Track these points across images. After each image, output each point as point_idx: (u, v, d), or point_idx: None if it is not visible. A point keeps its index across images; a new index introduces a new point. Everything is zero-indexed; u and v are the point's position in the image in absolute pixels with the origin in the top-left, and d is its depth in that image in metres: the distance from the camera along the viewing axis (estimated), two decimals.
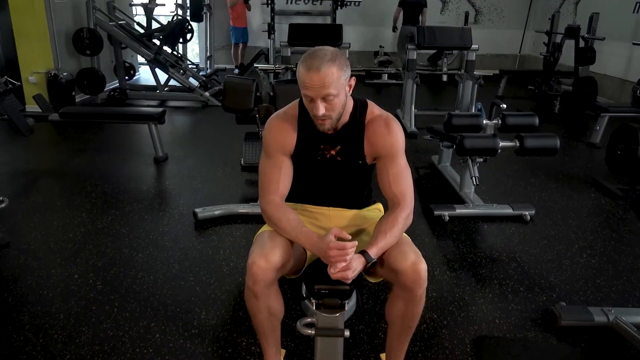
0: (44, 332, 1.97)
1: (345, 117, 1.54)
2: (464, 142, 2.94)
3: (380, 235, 1.44)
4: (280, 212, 1.51)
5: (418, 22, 7.83)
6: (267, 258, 1.41)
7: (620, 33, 6.55)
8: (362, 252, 1.42)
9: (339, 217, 1.68)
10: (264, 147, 1.60)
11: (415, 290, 1.46)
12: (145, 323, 2.04)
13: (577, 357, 1.94)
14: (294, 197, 1.72)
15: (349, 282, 1.41)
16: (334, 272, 1.38)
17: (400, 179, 1.54)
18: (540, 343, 2.01)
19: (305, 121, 1.56)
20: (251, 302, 1.50)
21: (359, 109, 1.57)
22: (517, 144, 2.95)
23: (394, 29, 8.12)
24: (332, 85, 1.38)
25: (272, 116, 1.64)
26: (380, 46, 8.55)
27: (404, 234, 1.52)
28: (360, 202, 1.74)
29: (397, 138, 1.55)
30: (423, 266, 1.44)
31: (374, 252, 1.42)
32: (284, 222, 1.49)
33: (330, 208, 1.69)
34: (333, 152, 1.58)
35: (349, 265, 1.37)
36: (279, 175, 1.56)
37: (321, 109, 1.42)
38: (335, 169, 1.61)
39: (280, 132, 1.57)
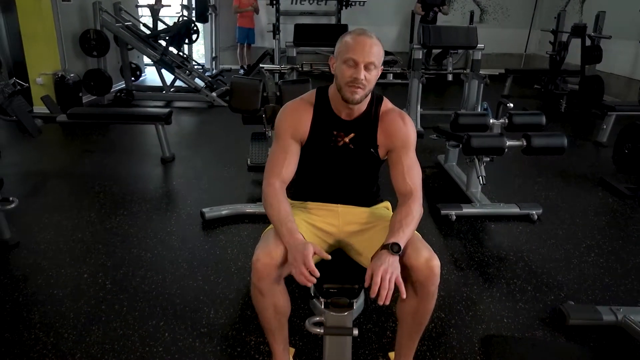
0: (55, 331, 1.99)
1: (363, 106, 1.58)
2: (471, 142, 2.94)
3: (398, 225, 1.45)
4: (275, 198, 1.52)
5: (436, 21, 7.83)
6: (270, 255, 1.42)
7: (627, 31, 6.51)
8: (388, 246, 1.39)
9: (347, 214, 1.68)
10: (275, 130, 1.63)
11: (428, 286, 1.46)
12: (154, 322, 2.06)
13: (585, 356, 1.94)
14: (303, 193, 1.73)
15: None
16: (296, 275, 1.36)
17: (413, 171, 1.57)
18: (548, 342, 2.01)
19: (322, 108, 1.60)
20: (257, 299, 1.51)
21: (375, 101, 1.62)
22: (524, 143, 2.95)
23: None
24: (376, 56, 1.45)
25: (287, 102, 1.67)
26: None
27: (415, 231, 1.53)
28: (369, 199, 1.74)
29: (412, 131, 1.60)
30: (436, 262, 1.44)
31: (401, 242, 1.41)
32: (274, 209, 1.50)
33: (339, 205, 1.70)
34: (347, 139, 1.60)
35: (390, 280, 1.33)
36: (284, 159, 1.57)
37: (362, 73, 1.45)
38: (347, 158, 1.62)
39: (295, 115, 1.60)
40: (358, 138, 1.60)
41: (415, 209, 1.50)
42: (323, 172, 1.68)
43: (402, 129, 1.58)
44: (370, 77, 1.47)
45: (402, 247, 1.40)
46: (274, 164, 1.58)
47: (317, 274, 1.37)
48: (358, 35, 1.46)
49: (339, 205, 1.70)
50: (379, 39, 1.48)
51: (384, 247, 1.40)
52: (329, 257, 1.45)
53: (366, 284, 1.38)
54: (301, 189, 1.74)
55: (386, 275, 1.33)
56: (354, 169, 1.66)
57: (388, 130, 1.58)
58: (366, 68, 1.45)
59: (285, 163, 1.57)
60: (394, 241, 1.40)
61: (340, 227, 1.67)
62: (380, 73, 1.51)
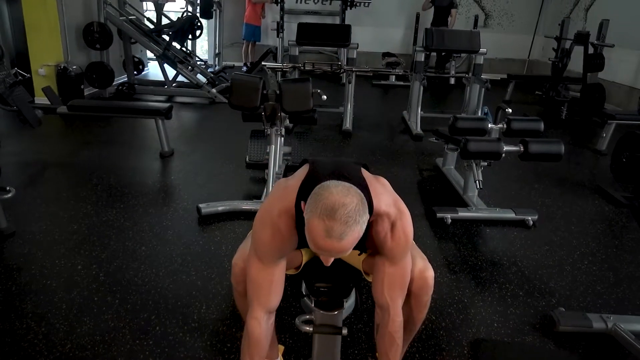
0: (46, 321, 2.00)
1: None
2: (468, 145, 2.95)
3: (391, 353, 1.41)
4: (258, 343, 1.38)
5: (446, 24, 7.83)
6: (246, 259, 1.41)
7: (630, 40, 6.51)
8: None
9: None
10: (254, 245, 1.38)
11: (422, 296, 1.47)
12: (146, 315, 2.07)
13: None
14: None
15: None
16: None
17: (395, 283, 1.41)
18: (537, 348, 2.01)
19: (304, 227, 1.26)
20: (238, 300, 1.53)
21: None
22: (522, 148, 2.95)
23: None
24: (352, 246, 1.18)
25: (262, 217, 1.38)
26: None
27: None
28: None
29: (400, 244, 1.37)
30: (430, 273, 1.44)
31: None
32: (244, 352, 1.39)
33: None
34: None
35: None
36: (270, 285, 1.37)
37: (331, 261, 1.25)
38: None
39: (277, 239, 1.35)
40: None
41: (397, 334, 1.41)
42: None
43: (387, 243, 1.36)
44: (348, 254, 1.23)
45: None
46: (258, 291, 1.38)
47: None
48: (328, 236, 1.13)
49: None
50: (357, 218, 1.14)
51: None
52: None
53: None
54: None
55: None
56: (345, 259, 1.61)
57: (374, 239, 1.38)
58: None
59: (272, 290, 1.38)
60: None
61: None
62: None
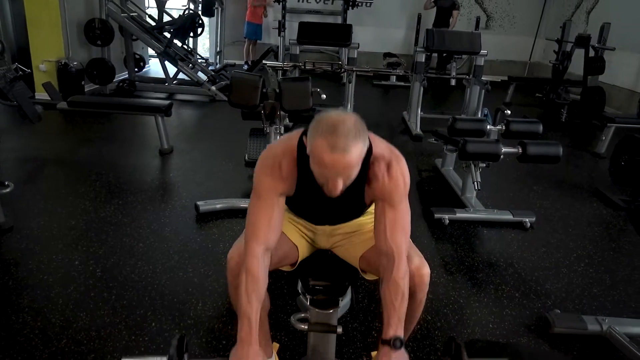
0: (43, 315, 2.01)
1: None
2: (466, 147, 2.95)
3: (391, 309, 1.35)
4: (252, 276, 1.36)
5: (448, 25, 7.83)
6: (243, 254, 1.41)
7: (631, 43, 6.51)
8: (389, 342, 1.30)
9: (336, 229, 1.66)
10: (254, 186, 1.43)
11: (417, 294, 1.47)
12: (142, 311, 2.07)
13: None
14: (292, 212, 1.68)
15: None
16: None
17: (397, 227, 1.41)
18: (531, 349, 2.01)
19: (305, 164, 1.35)
20: (233, 295, 1.52)
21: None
22: (520, 150, 2.95)
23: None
24: (356, 163, 1.25)
25: (265, 155, 1.45)
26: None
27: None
28: (359, 214, 1.67)
29: (398, 184, 1.41)
30: (426, 271, 1.45)
31: (399, 332, 1.33)
32: (243, 289, 1.35)
33: (327, 226, 1.66)
34: None
35: None
36: (268, 220, 1.39)
37: (339, 187, 1.28)
38: (334, 205, 1.48)
39: (276, 175, 1.40)
40: (345, 192, 1.37)
41: (403, 280, 1.37)
42: (310, 210, 1.62)
43: (385, 185, 1.40)
44: (349, 180, 1.30)
45: (404, 340, 1.33)
46: (257, 226, 1.39)
47: None
48: (332, 150, 1.20)
49: (326, 226, 1.66)
50: (358, 132, 1.22)
51: (385, 342, 1.31)
52: None
53: None
54: (289, 210, 1.67)
55: None
56: (341, 210, 1.58)
57: (372, 183, 1.42)
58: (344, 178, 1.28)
59: (269, 225, 1.40)
60: (394, 335, 1.32)
61: (327, 238, 1.68)
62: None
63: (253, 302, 1.34)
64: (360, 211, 1.61)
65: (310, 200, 1.49)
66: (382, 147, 1.43)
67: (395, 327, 1.33)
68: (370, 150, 1.36)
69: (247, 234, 1.42)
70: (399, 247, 1.40)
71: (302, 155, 1.37)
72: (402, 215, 1.42)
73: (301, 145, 1.37)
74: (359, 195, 1.46)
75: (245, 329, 1.32)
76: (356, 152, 1.22)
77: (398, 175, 1.41)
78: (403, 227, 1.43)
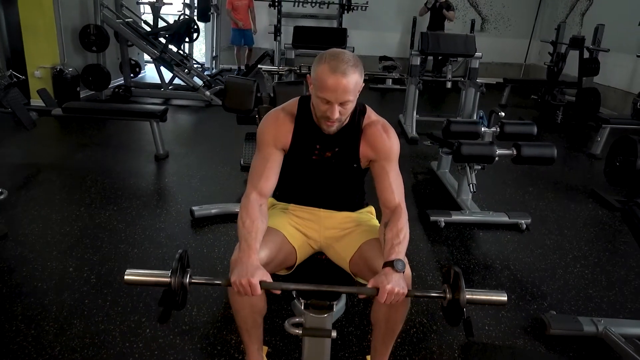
0: (36, 323, 2.00)
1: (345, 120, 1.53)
2: (461, 149, 2.95)
3: (390, 243, 1.40)
4: (245, 211, 1.48)
5: (443, 28, 7.85)
6: None
7: (625, 45, 6.54)
8: (392, 263, 1.32)
9: (329, 219, 1.69)
10: (257, 140, 1.58)
11: (399, 307, 1.47)
12: (136, 318, 2.06)
13: None
14: (286, 196, 1.74)
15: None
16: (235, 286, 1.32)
17: (399, 183, 1.55)
18: (528, 351, 2.01)
19: (304, 120, 1.55)
20: (234, 297, 1.52)
21: (358, 113, 1.57)
22: (514, 152, 2.96)
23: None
24: (353, 92, 1.39)
25: (269, 112, 1.63)
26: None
27: None
28: (353, 204, 1.75)
29: (395, 143, 1.56)
30: (408, 272, 1.44)
31: (401, 257, 1.36)
32: (241, 221, 1.48)
33: (322, 210, 1.70)
34: (329, 154, 1.58)
35: (397, 291, 1.27)
36: (264, 169, 1.53)
37: (336, 113, 1.41)
38: (329, 171, 1.61)
39: (276, 126, 1.56)
40: (340, 152, 1.57)
41: (404, 226, 1.46)
42: (305, 180, 1.68)
43: (385, 142, 1.54)
44: (346, 110, 1.43)
45: (405, 264, 1.35)
46: (253, 175, 1.55)
47: (277, 292, 1.38)
48: (333, 72, 1.35)
49: (321, 209, 1.70)
50: (357, 63, 1.39)
51: (388, 264, 1.34)
52: (279, 292, 1.40)
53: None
54: (284, 192, 1.74)
55: (392, 295, 1.27)
56: (337, 180, 1.66)
57: (371, 143, 1.54)
58: (341, 104, 1.40)
59: (264, 174, 1.53)
60: (396, 257, 1.35)
61: (320, 231, 1.68)
62: (359, 91, 1.44)
63: (247, 225, 1.45)
64: (358, 178, 1.68)
65: (306, 160, 1.59)
66: (375, 114, 1.61)
67: (397, 254, 1.37)
68: (364, 112, 1.57)
69: (247, 181, 1.57)
70: (402, 201, 1.53)
71: (302, 110, 1.56)
72: (399, 173, 1.57)
73: (302, 102, 1.57)
74: (354, 156, 1.56)
75: (243, 248, 1.41)
76: (354, 79, 1.38)
77: (393, 136, 1.56)
78: (401, 184, 1.56)
